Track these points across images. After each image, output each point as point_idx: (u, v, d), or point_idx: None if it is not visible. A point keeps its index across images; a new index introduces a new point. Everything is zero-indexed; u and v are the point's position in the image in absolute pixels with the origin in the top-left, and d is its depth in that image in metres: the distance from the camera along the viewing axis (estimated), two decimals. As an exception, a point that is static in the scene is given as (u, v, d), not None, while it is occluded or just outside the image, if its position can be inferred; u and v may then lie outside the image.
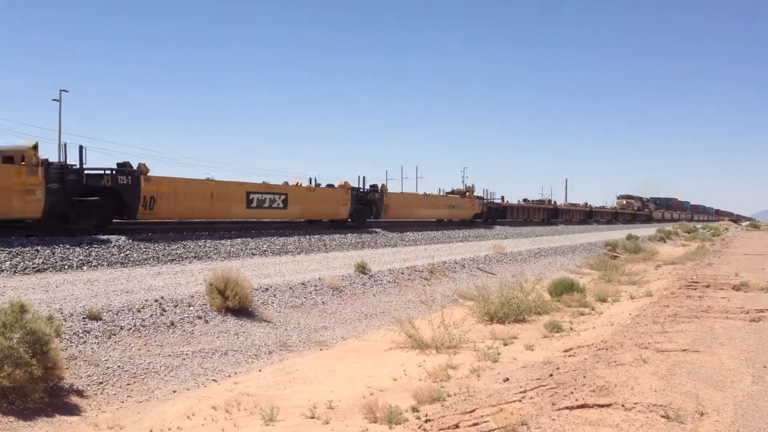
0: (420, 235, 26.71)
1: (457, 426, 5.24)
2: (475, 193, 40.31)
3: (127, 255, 13.50)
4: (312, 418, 6.34)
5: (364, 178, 28.60)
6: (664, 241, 41.20)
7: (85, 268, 12.20)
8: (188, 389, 7.36)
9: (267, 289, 11.65)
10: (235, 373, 8.10)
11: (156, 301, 9.60)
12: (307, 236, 20.61)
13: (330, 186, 26.47)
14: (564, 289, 13.87)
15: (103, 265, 12.55)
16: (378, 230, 26.52)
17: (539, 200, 61.34)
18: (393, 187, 31.24)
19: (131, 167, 17.19)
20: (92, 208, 16.13)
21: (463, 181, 79.48)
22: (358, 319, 11.57)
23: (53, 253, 12.47)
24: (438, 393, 6.61)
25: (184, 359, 8.11)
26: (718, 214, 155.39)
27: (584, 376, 6.08)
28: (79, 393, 6.67)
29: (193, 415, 6.53)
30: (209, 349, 8.63)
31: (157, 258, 13.88)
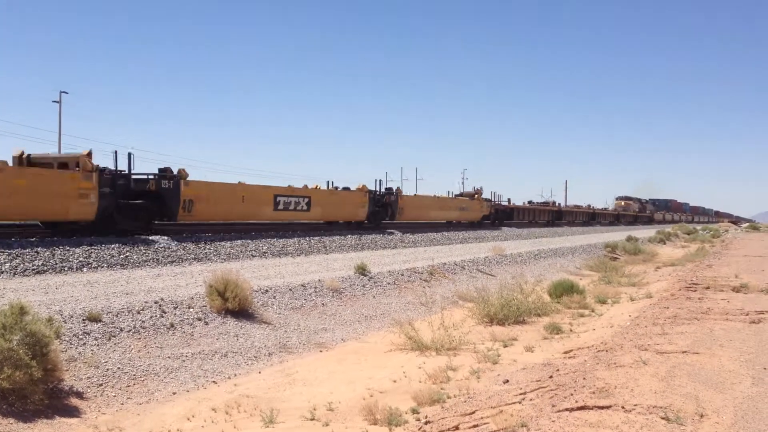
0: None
1: (457, 428, 5.24)
2: (483, 196, 41.34)
3: (127, 257, 13.50)
4: (312, 419, 6.34)
5: (380, 181, 29.94)
6: (664, 243, 41.21)
7: (84, 269, 12.19)
8: (188, 391, 7.35)
9: (267, 290, 11.65)
10: (235, 374, 8.10)
11: (156, 302, 9.59)
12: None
13: (346, 189, 27.67)
14: (564, 290, 13.87)
15: (102, 267, 12.54)
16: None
17: (544, 202, 62.18)
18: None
19: (172, 172, 18.09)
20: (137, 211, 17.16)
21: (462, 183, 79.62)
22: (357, 321, 11.56)
23: (53, 255, 12.46)
24: (438, 395, 6.61)
25: (184, 361, 8.11)
26: (718, 216, 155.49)
27: (584, 378, 6.08)
28: (79, 395, 6.67)
29: (192, 416, 6.53)
30: (209, 350, 8.63)
31: (157, 260, 13.88)
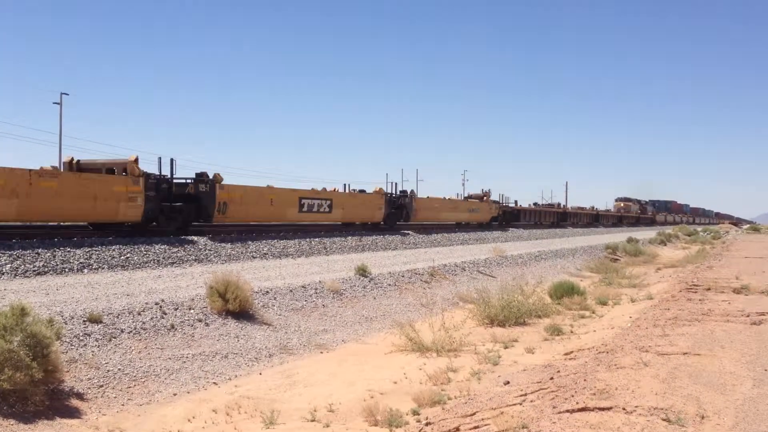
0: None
1: (457, 429, 5.24)
2: (492, 198, 42.41)
3: (127, 258, 13.51)
4: (312, 421, 6.34)
5: (395, 184, 31.23)
6: (665, 244, 41.20)
7: (85, 270, 12.20)
8: (189, 392, 7.36)
9: (267, 292, 11.65)
10: (236, 376, 8.10)
11: (156, 304, 9.59)
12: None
13: (362, 191, 28.84)
14: (565, 292, 13.87)
15: (103, 268, 12.54)
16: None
17: (549, 204, 63.24)
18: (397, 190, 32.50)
19: (208, 176, 19.17)
20: (178, 213, 18.28)
21: (463, 184, 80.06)
22: (358, 322, 11.56)
23: (54, 256, 12.47)
24: (438, 396, 6.61)
25: (185, 362, 8.11)
26: (719, 217, 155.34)
27: (585, 380, 6.07)
28: (80, 396, 6.67)
29: (193, 418, 6.53)
30: (210, 352, 8.63)
31: (158, 261, 13.88)
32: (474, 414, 5.58)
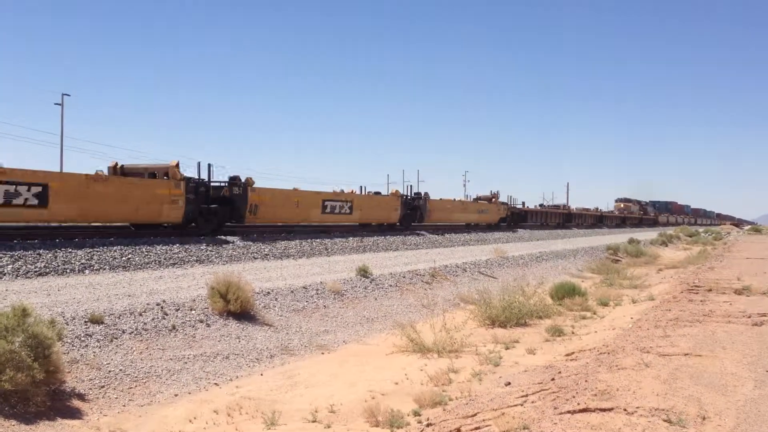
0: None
1: (458, 430, 5.24)
2: (500, 199, 43.66)
3: (129, 258, 13.52)
4: (314, 422, 6.34)
5: (410, 186, 33.48)
6: (666, 245, 41.16)
7: (87, 271, 12.21)
8: (190, 393, 7.36)
9: (269, 292, 11.65)
10: (237, 376, 8.10)
11: (158, 304, 9.60)
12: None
13: (377, 193, 30.21)
14: (566, 292, 13.86)
15: (105, 269, 12.56)
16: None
17: (555, 205, 64.49)
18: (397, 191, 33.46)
19: (240, 180, 20.34)
20: (213, 215, 19.47)
21: (464, 185, 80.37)
22: (359, 323, 11.56)
23: (55, 257, 12.48)
24: (440, 397, 6.61)
25: (186, 363, 8.11)
26: (720, 218, 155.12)
27: (586, 380, 6.07)
28: (81, 397, 6.68)
29: (194, 418, 6.54)
30: (211, 352, 8.63)
31: (159, 262, 13.90)
32: (475, 415, 5.58)
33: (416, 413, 6.23)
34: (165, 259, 14.18)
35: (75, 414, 6.35)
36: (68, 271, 11.99)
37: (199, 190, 18.65)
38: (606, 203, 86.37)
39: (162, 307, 9.51)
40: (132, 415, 6.56)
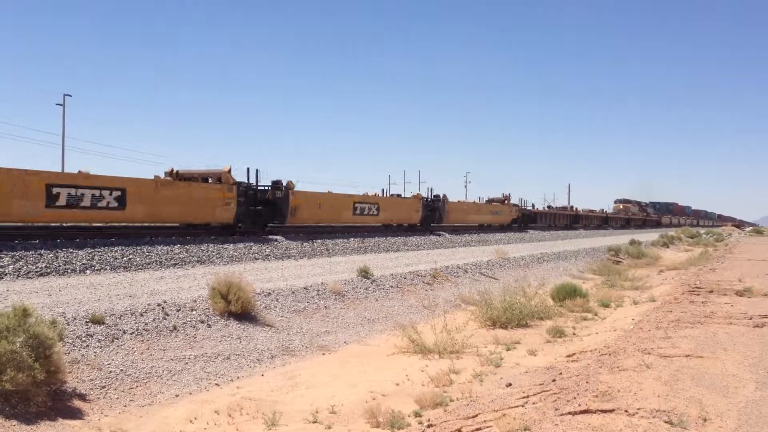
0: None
1: (459, 431, 5.23)
2: (511, 201, 45.65)
3: (130, 259, 13.53)
4: (314, 422, 6.34)
5: (431, 189, 34.63)
6: (667, 247, 41.15)
7: (88, 272, 12.22)
8: (191, 393, 7.36)
9: (270, 293, 11.66)
10: (238, 377, 8.10)
11: (159, 305, 9.60)
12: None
13: (398, 195, 32.45)
14: (567, 294, 13.85)
15: (106, 269, 12.57)
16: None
17: (562, 207, 66.71)
18: (395, 191, 34.84)
19: (282, 184, 21.90)
20: (259, 216, 21.15)
21: (465, 186, 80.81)
22: (360, 324, 11.56)
23: (56, 257, 12.50)
24: (440, 398, 6.61)
25: (187, 363, 8.11)
26: (721, 220, 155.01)
27: (587, 382, 6.07)
28: (82, 397, 6.68)
29: (195, 419, 6.53)
30: (212, 353, 8.63)
31: (160, 262, 13.91)
32: (476, 416, 5.58)
33: (417, 414, 6.23)
34: (166, 259, 14.19)
35: (76, 414, 6.35)
36: (69, 271, 12.00)
37: (247, 194, 20.48)
38: (607, 204, 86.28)
39: (163, 308, 9.52)
40: (133, 416, 6.56)
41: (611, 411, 5.10)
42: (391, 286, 14.66)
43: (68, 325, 7.99)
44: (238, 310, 10.02)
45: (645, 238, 44.58)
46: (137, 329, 8.58)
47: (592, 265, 24.84)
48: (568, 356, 8.51)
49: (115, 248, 14.21)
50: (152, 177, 18.93)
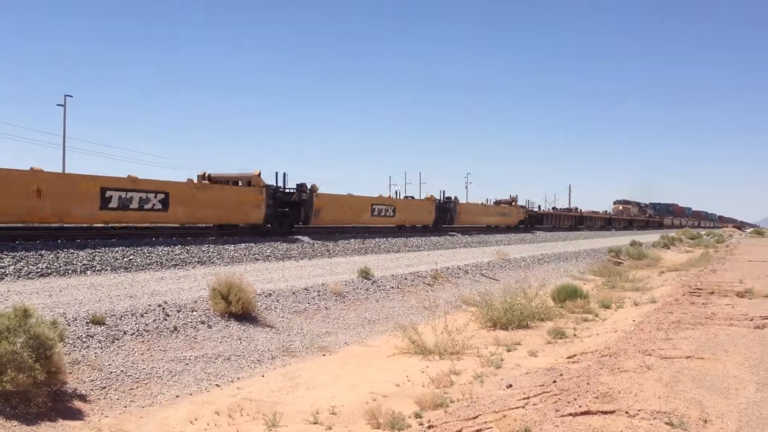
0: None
1: (460, 432, 5.23)
2: (518, 203, 47.15)
3: (130, 260, 13.53)
4: (315, 423, 6.34)
5: (443, 191, 35.90)
6: (668, 248, 41.13)
7: (88, 272, 12.22)
8: (191, 394, 7.36)
9: (270, 294, 11.66)
10: (238, 378, 8.10)
11: (159, 305, 9.61)
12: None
13: (411, 197, 33.84)
14: (567, 295, 13.85)
15: (106, 270, 12.57)
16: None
17: (567, 208, 68.16)
18: (395, 193, 35.28)
19: (306, 187, 23.18)
20: (285, 217, 22.51)
21: (466, 187, 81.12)
22: (361, 325, 11.56)
23: (57, 258, 12.50)
24: (441, 399, 6.60)
25: (187, 364, 8.11)
26: (722, 221, 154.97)
27: (588, 383, 6.06)
28: (83, 397, 6.68)
29: (196, 420, 6.53)
30: (212, 354, 8.63)
31: (160, 263, 13.91)
32: (476, 417, 5.58)
33: (417, 415, 6.23)
34: (167, 260, 14.19)
35: (76, 415, 6.35)
36: (70, 272, 12.01)
37: (276, 196, 21.82)
38: (608, 205, 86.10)
39: (163, 309, 9.52)
40: (133, 416, 6.56)
41: (612, 412, 5.10)
42: (392, 287, 14.66)
43: (69, 325, 7.99)
44: (239, 310, 10.03)
45: (646, 239, 44.59)
46: (138, 330, 8.58)
47: (592, 266, 24.84)
48: (569, 357, 8.51)
49: (116, 249, 14.22)
50: (185, 180, 20.14)
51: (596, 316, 12.58)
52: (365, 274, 14.75)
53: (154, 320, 9.03)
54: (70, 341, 7.63)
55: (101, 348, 7.80)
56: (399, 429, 5.90)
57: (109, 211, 16.01)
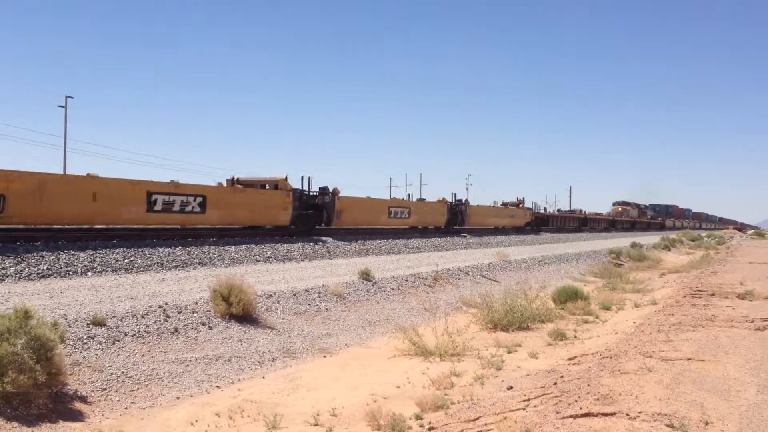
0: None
1: (460, 434, 5.23)
2: (525, 205, 48.57)
3: (131, 261, 13.54)
4: (315, 425, 6.34)
5: (455, 194, 37.29)
6: (669, 249, 41.12)
7: (89, 273, 12.23)
8: (192, 396, 7.36)
9: (271, 295, 11.66)
10: (239, 379, 8.10)
11: (160, 307, 9.61)
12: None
13: (422, 200, 34.89)
14: (568, 296, 13.85)
15: (107, 271, 12.58)
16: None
17: (571, 210, 69.38)
18: (397, 194, 37.09)
19: (328, 190, 24.32)
20: (309, 218, 23.55)
21: (467, 188, 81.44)
22: (361, 326, 11.56)
23: (58, 259, 12.51)
24: (441, 401, 6.60)
25: (188, 366, 8.11)
26: (722, 223, 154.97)
27: (588, 385, 6.06)
28: (83, 399, 6.68)
29: (196, 421, 6.54)
30: (213, 355, 8.63)
31: (161, 264, 13.91)
32: (477, 419, 5.58)
33: (418, 417, 6.23)
34: (167, 261, 14.19)
35: (77, 416, 6.35)
36: (71, 273, 12.01)
37: (302, 198, 23.10)
38: (608, 207, 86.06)
39: (164, 310, 9.52)
40: (134, 418, 6.56)
41: (612, 414, 5.09)
42: (392, 289, 14.66)
43: (69, 327, 8.00)
44: (240, 312, 10.03)
45: (647, 240, 44.60)
46: (138, 331, 8.59)
47: (593, 268, 24.84)
48: (570, 359, 8.50)
49: (117, 250, 14.22)
50: (215, 184, 21.60)
51: (597, 317, 12.58)
52: (366, 275, 14.75)
53: (155, 322, 9.03)
54: (71, 342, 7.63)
55: (102, 349, 7.80)
56: (399, 431, 5.90)
57: (154, 214, 17.19)
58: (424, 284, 15.92)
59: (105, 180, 16.00)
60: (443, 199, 35.12)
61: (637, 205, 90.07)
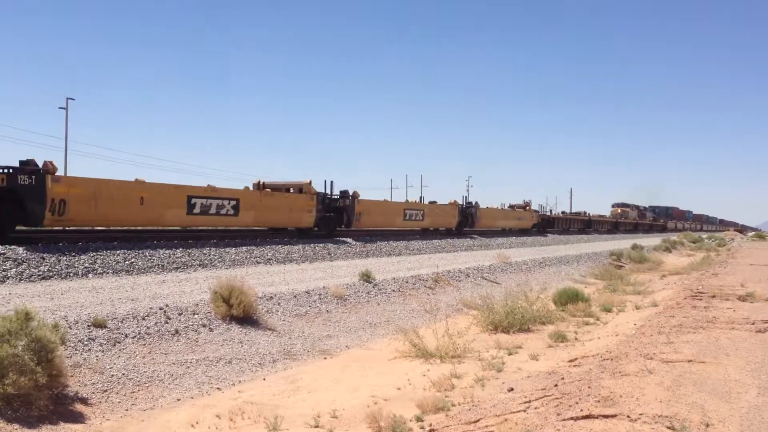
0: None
1: (461, 436, 5.23)
2: (532, 207, 49.68)
3: (132, 263, 13.54)
4: (316, 427, 6.34)
5: (466, 197, 38.56)
6: (669, 251, 41.10)
7: (90, 275, 12.23)
8: (192, 397, 7.36)
9: (271, 297, 11.66)
10: (240, 381, 8.10)
11: (161, 308, 9.61)
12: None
13: (433, 203, 35.22)
14: (569, 298, 13.85)
15: (108, 273, 12.58)
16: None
17: (576, 213, 70.39)
18: (397, 195, 37.71)
19: (348, 193, 25.20)
20: (330, 221, 24.50)
21: (468, 190, 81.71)
22: (362, 328, 11.55)
23: (59, 261, 12.51)
24: (442, 403, 6.60)
25: (189, 367, 8.12)
26: (723, 224, 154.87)
27: (589, 387, 6.06)
28: (84, 401, 6.68)
29: (197, 423, 6.54)
30: (213, 357, 8.63)
31: (162, 266, 13.92)
32: (478, 421, 5.58)
33: (419, 419, 6.23)
34: (168, 263, 14.20)
35: (78, 418, 6.35)
36: (72, 275, 12.02)
37: (325, 201, 23.97)
38: (608, 208, 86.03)
39: (165, 312, 9.53)
40: (135, 420, 6.56)
41: (613, 416, 5.09)
42: (393, 290, 14.66)
43: (70, 328, 8.00)
44: (240, 313, 10.03)
45: (648, 242, 44.61)
46: (139, 333, 8.59)
47: (594, 269, 24.84)
48: (570, 361, 8.50)
49: (118, 252, 14.22)
50: (242, 188, 22.18)
51: (597, 319, 12.57)
52: (366, 277, 14.75)
53: (156, 323, 9.04)
54: (72, 344, 7.63)
55: (102, 351, 7.81)
56: (400, 432, 5.90)
57: (193, 216, 18.20)
58: (425, 286, 15.92)
59: (151, 185, 17.16)
60: (455, 201, 36.13)
61: (637, 207, 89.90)
